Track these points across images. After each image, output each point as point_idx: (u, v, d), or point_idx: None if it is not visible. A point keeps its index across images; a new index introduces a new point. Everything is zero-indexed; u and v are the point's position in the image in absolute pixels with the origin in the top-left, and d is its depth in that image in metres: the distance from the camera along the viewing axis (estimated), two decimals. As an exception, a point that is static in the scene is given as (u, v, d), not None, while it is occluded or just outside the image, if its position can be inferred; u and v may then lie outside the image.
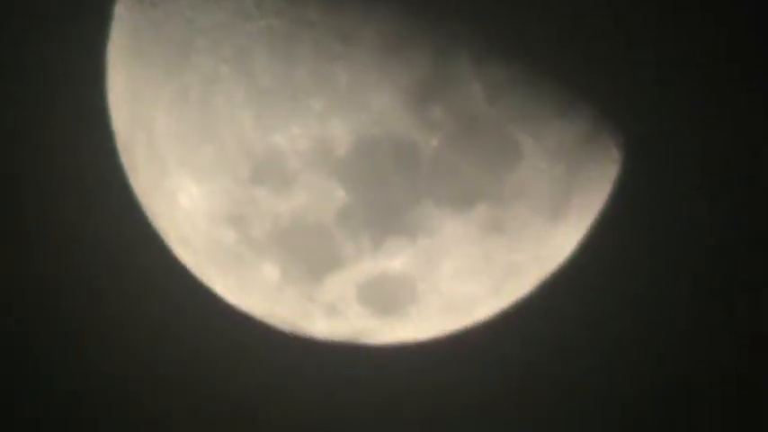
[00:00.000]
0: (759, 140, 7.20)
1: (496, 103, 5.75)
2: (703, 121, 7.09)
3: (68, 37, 6.90)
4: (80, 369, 7.66)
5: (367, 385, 7.46)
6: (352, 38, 5.67)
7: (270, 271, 6.27)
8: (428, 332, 6.81)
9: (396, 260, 6.08)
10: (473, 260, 6.21)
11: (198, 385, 7.67)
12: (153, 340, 7.70)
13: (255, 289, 6.48)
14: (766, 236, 7.42)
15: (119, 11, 6.33)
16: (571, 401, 7.69)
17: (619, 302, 7.48)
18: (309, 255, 6.14)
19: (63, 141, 7.20)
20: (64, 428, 7.99)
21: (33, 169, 7.33)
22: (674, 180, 7.15)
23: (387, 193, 5.89)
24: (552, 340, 7.52)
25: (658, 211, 7.24)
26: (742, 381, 7.89)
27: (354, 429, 7.61)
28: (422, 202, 5.92)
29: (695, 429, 8.00)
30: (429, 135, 5.74)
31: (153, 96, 6.16)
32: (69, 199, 7.36)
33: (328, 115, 5.75)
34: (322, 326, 6.57)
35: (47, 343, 7.71)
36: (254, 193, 6.01)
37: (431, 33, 5.68)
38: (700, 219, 7.38)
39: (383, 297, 6.29)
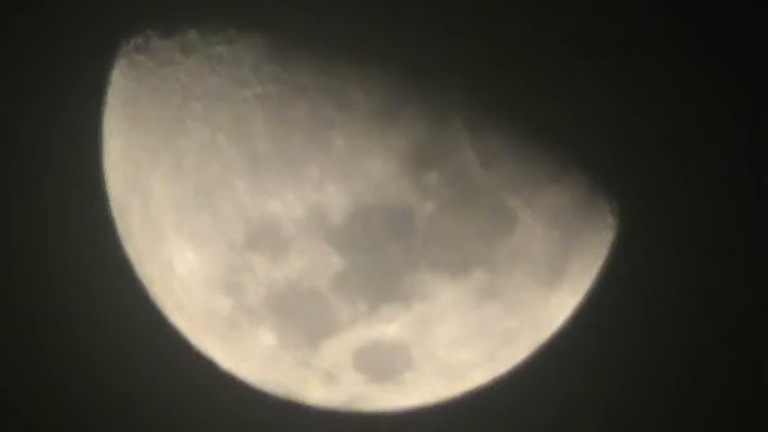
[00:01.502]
0: (753, 207, 7.20)
1: (491, 170, 5.76)
2: (697, 189, 7.08)
3: (65, 101, 6.93)
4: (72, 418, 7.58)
5: None
6: (348, 104, 5.68)
7: (265, 337, 6.23)
8: (424, 398, 6.79)
9: (391, 326, 6.05)
10: (469, 326, 6.18)
11: None
12: (149, 407, 7.68)
13: (251, 355, 6.45)
14: (762, 297, 7.39)
15: (115, 76, 6.35)
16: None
17: (615, 369, 7.46)
18: (305, 321, 6.09)
19: (58, 206, 7.20)
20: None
21: (28, 233, 7.30)
22: (669, 246, 7.16)
23: (382, 260, 5.88)
24: (548, 406, 7.48)
25: (654, 277, 7.26)
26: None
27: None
28: (417, 269, 5.90)
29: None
30: (424, 201, 5.75)
31: (149, 162, 6.15)
32: (63, 265, 7.36)
33: (324, 182, 5.76)
34: (318, 392, 6.56)
35: (46, 415, 7.63)
36: (249, 260, 6.00)
37: (425, 100, 5.69)
38: (695, 284, 7.35)
39: (379, 363, 6.24)
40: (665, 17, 6.69)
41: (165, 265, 6.41)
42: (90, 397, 7.68)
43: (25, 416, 7.79)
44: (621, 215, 6.54)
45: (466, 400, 6.87)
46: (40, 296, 7.60)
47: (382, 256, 5.89)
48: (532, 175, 5.93)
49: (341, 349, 6.18)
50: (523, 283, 6.18)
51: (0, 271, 7.62)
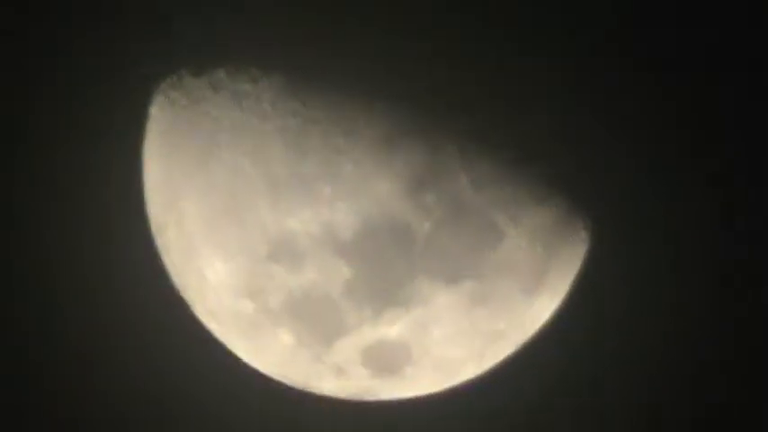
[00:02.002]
0: (712, 220, 7.43)
1: (481, 192, 6.15)
2: (664, 214, 7.27)
3: (110, 132, 7.05)
4: (115, 416, 7.84)
5: None
6: (355, 134, 6.08)
7: (284, 337, 6.64)
8: (421, 390, 7.11)
9: (393, 328, 6.46)
10: (460, 328, 6.57)
11: None
12: (181, 401, 7.88)
13: (272, 353, 6.83)
14: (724, 305, 7.64)
15: (154, 111, 6.65)
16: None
17: (589, 364, 7.69)
18: (318, 323, 6.49)
19: (104, 224, 7.32)
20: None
21: (81, 248, 7.49)
22: (634, 258, 7.38)
23: (385, 270, 6.27)
24: (530, 397, 7.73)
25: (621, 284, 7.46)
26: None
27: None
28: (416, 277, 6.29)
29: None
30: (422, 219, 6.15)
31: (183, 185, 6.55)
32: (109, 275, 7.52)
33: (335, 202, 6.15)
34: (330, 385, 6.93)
35: (84, 401, 7.89)
36: (270, 270, 6.39)
37: (423, 130, 6.06)
38: (659, 291, 7.60)
39: (383, 359, 6.63)
40: (640, 53, 6.82)
41: (197, 275, 6.76)
42: (133, 389, 7.82)
43: (76, 408, 7.95)
44: (593, 232, 6.82)
45: (458, 391, 7.15)
46: (90, 304, 7.67)
47: (385, 267, 6.26)
48: (518, 196, 6.28)
49: (350, 348, 6.56)
50: (508, 291, 6.53)
51: (54, 283, 7.59)
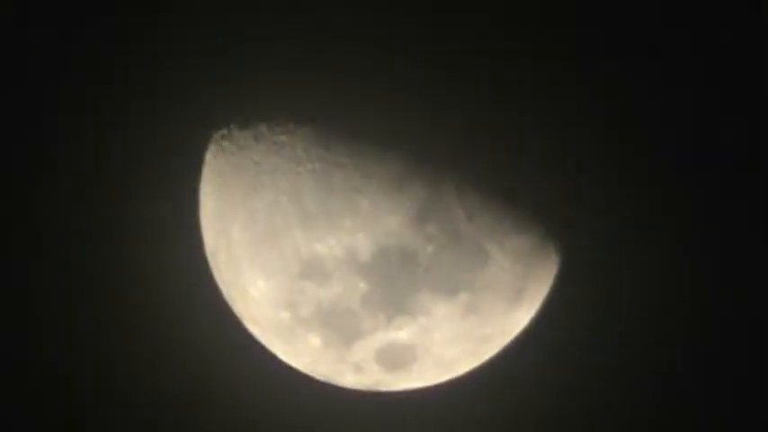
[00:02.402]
0: (669, 243, 7.71)
1: (473, 223, 6.53)
2: (621, 242, 7.63)
3: (172, 174, 7.40)
4: (179, 405, 8.14)
5: (382, 422, 8.04)
6: (371, 176, 6.43)
7: (313, 340, 6.96)
8: (425, 382, 7.40)
9: (402, 332, 6.78)
10: (456, 332, 6.90)
11: (261, 421, 8.19)
12: (230, 393, 8.21)
13: (303, 353, 7.14)
14: (676, 314, 7.91)
15: (208, 157, 7.04)
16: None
17: (559, 364, 8.09)
18: (341, 329, 6.80)
19: (166, 250, 7.72)
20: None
21: (147, 271, 7.82)
22: (598, 279, 7.74)
23: (395, 286, 6.61)
24: (512, 388, 8.12)
25: (587, 300, 7.89)
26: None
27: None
28: (420, 292, 6.63)
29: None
30: (425, 244, 6.51)
31: (231, 216, 6.88)
32: (170, 293, 7.85)
33: (355, 231, 6.51)
34: (350, 378, 7.23)
35: (153, 394, 8.20)
36: (302, 286, 6.73)
37: (426, 173, 6.44)
38: (618, 307, 7.94)
39: (393, 358, 6.94)
40: (609, 101, 7.18)
41: (243, 291, 7.07)
42: (191, 384, 8.14)
43: (146, 400, 8.20)
44: (563, 256, 7.20)
45: (454, 383, 7.49)
46: (155, 318, 8.00)
47: (395, 283, 6.59)
48: (503, 226, 6.64)
49: (366, 348, 6.87)
50: (494, 302, 6.86)
51: (129, 297, 7.91)
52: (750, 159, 7.83)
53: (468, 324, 6.88)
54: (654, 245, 7.63)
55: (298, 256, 6.65)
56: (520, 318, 7.26)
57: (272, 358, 7.41)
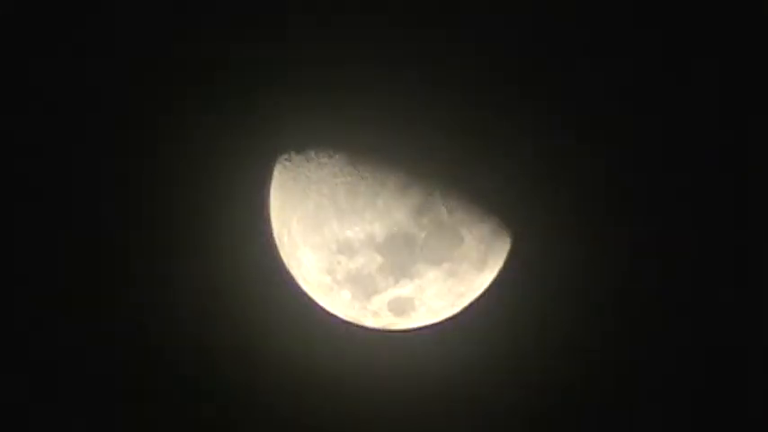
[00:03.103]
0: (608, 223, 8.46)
1: (453, 216, 7.74)
2: (558, 229, 8.45)
3: (250, 185, 8.32)
4: (250, 349, 9.06)
5: (393, 351, 9.05)
6: (385, 185, 7.59)
7: (345, 295, 8.18)
8: (421, 324, 8.51)
9: (405, 290, 7.96)
10: (441, 290, 8.07)
11: (308, 351, 9.08)
12: (287, 336, 9.15)
13: (339, 304, 8.35)
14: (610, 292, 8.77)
15: (276, 173, 8.19)
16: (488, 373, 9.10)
17: (512, 312, 8.99)
18: (364, 288, 7.98)
19: (247, 239, 8.59)
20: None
21: (230, 254, 8.74)
22: (541, 250, 8.57)
23: (400, 259, 7.77)
24: (479, 330, 8.93)
25: (533, 269, 8.72)
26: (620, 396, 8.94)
27: (387, 375, 9.07)
28: (417, 263, 7.83)
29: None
30: (421, 231, 7.74)
31: (291, 212, 8.05)
32: (250, 266, 8.71)
33: (373, 222, 7.67)
34: (370, 322, 8.43)
35: (227, 341, 9.13)
36: (338, 258, 7.91)
37: (422, 183, 7.56)
38: (560, 276, 8.90)
39: (399, 308, 8.14)
40: (581, 109, 7.96)
41: (298, 261, 8.21)
42: (257, 330, 9.15)
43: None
44: (514, 238, 8.23)
45: (440, 325, 8.54)
46: (240, 281, 8.90)
47: (400, 257, 7.73)
48: (472, 218, 7.81)
49: (381, 301, 8.05)
50: (468, 270, 8.03)
51: (219, 270, 8.86)
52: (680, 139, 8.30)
53: (449, 284, 8.12)
54: (579, 230, 8.67)
55: (335, 238, 7.85)
56: (484, 280, 8.48)
57: (319, 308, 8.58)
